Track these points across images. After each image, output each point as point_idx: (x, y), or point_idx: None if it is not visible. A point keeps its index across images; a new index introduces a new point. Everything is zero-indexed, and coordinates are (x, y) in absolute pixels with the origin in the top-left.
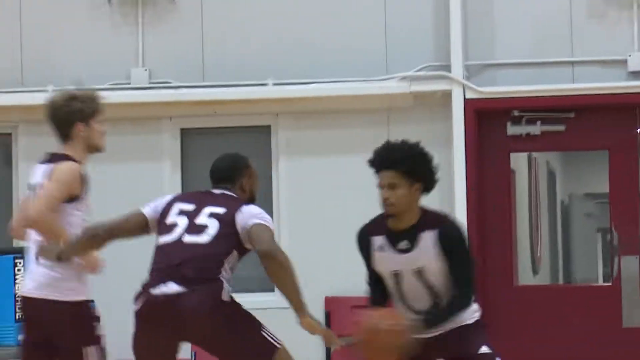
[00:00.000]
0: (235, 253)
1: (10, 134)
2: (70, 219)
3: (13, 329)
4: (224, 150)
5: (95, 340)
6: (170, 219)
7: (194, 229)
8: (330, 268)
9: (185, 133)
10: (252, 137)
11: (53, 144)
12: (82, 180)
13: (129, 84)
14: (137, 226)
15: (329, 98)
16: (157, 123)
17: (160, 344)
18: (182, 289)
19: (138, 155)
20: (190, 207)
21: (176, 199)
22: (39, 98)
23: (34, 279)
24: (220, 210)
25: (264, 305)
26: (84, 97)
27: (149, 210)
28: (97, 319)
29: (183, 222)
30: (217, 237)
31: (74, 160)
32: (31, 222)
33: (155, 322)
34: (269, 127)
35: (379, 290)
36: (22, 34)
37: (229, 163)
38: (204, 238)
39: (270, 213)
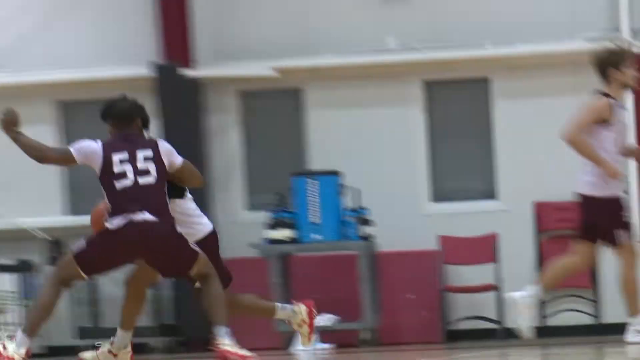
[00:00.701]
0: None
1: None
2: (601, 139)
3: None
4: (466, 98)
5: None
6: (117, 168)
7: (142, 172)
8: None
9: (428, 85)
10: (470, 87)
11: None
12: (611, 110)
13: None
14: (67, 163)
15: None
16: (406, 76)
17: (124, 258)
18: (155, 219)
19: (390, 103)
20: (125, 155)
21: (108, 150)
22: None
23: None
24: (149, 153)
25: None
26: (614, 49)
27: (77, 153)
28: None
29: (129, 168)
30: (159, 177)
31: (608, 97)
32: (566, 142)
33: (132, 239)
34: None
35: None
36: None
37: (128, 106)
38: (151, 179)
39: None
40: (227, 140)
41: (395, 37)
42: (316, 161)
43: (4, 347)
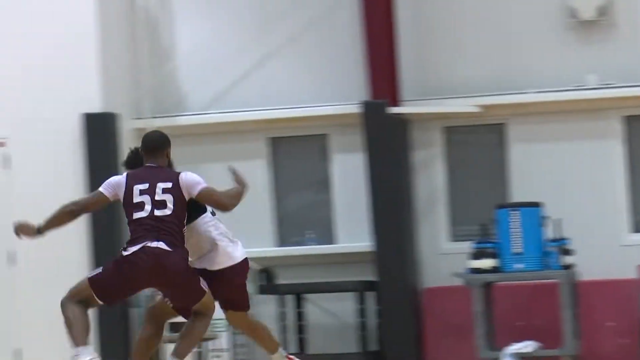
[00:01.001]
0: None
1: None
2: None
3: None
4: None
5: None
6: (137, 198)
7: (159, 204)
8: None
9: (627, 119)
10: None
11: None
12: None
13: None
14: (101, 203)
15: None
16: (605, 111)
17: (136, 284)
18: (169, 248)
19: (590, 137)
20: (145, 185)
21: (131, 181)
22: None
23: None
24: (169, 184)
25: None
26: None
27: (106, 190)
28: None
29: (147, 199)
30: (175, 209)
31: None
32: None
33: (144, 265)
34: None
35: None
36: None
37: (156, 137)
38: (167, 211)
39: None
40: (431, 173)
41: (595, 73)
42: (518, 193)
43: None
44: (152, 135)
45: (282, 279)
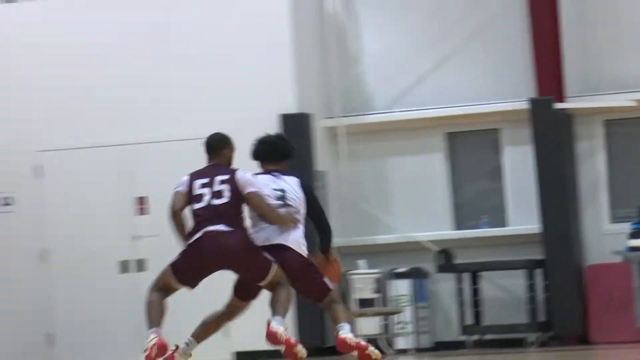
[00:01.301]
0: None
1: None
2: None
3: None
4: None
5: None
6: (197, 191)
7: (216, 194)
8: None
9: None
10: None
11: None
12: None
13: None
14: (185, 199)
15: None
16: None
17: (205, 266)
18: (228, 229)
19: None
20: (206, 180)
21: (194, 177)
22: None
23: None
24: (226, 177)
25: None
26: None
27: (181, 187)
28: None
29: (207, 191)
30: (232, 197)
31: None
32: None
33: (207, 248)
34: None
35: None
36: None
37: (217, 139)
38: (224, 199)
39: None
40: (593, 163)
41: None
42: None
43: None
44: (214, 137)
45: (459, 259)
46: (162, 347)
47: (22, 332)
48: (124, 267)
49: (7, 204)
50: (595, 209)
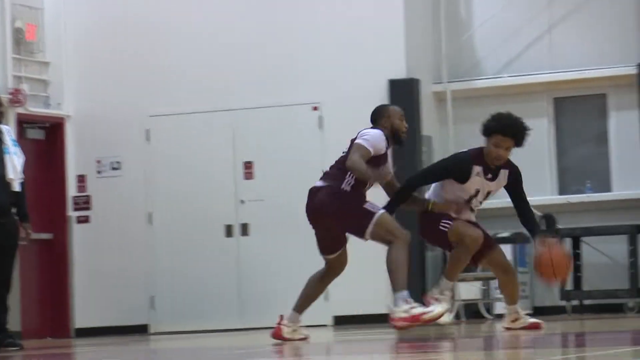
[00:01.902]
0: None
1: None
2: None
3: None
4: None
5: None
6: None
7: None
8: None
9: None
10: None
11: None
12: None
13: None
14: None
15: None
16: None
17: (318, 228)
18: (320, 184)
19: None
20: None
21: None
22: None
23: None
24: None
25: None
26: None
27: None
28: None
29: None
30: (344, 156)
31: None
32: None
33: (307, 207)
34: None
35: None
36: None
37: (374, 110)
38: (338, 158)
39: None
40: None
41: None
42: None
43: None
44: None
45: (562, 224)
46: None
47: (125, 295)
48: (229, 231)
49: (115, 168)
50: None
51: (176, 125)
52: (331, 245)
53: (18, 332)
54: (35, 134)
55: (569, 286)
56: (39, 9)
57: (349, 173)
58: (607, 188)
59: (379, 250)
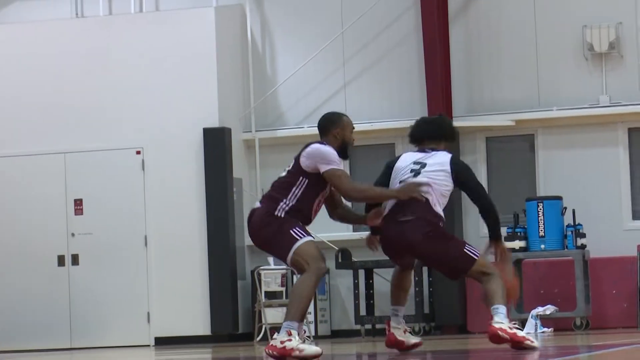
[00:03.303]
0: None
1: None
2: None
3: None
4: None
5: None
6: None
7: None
8: None
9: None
10: None
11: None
12: None
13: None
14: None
15: None
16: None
17: None
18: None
19: (601, 145)
20: None
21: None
22: None
23: None
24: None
25: None
26: None
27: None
28: None
29: None
30: (291, 172)
31: None
32: None
33: None
34: None
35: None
36: None
37: (326, 118)
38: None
39: None
40: (475, 173)
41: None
42: (544, 189)
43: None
44: (323, 116)
45: (355, 257)
46: None
47: None
48: (61, 260)
49: None
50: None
51: (9, 167)
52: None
53: None
54: None
55: (363, 311)
56: None
57: (284, 200)
58: None
59: (197, 275)
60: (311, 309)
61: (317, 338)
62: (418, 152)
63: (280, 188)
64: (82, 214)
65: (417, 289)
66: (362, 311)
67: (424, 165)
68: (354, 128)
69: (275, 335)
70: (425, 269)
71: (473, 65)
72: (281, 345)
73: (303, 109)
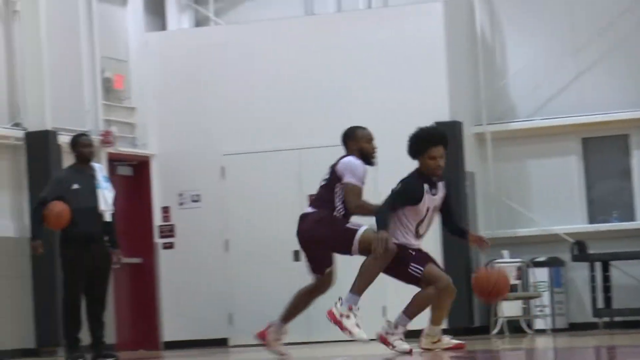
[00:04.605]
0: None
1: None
2: None
3: None
4: None
5: None
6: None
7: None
8: None
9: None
10: None
11: None
12: None
13: None
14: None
15: None
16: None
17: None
18: (309, 210)
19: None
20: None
21: None
22: None
23: None
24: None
25: None
26: None
27: None
28: None
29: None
30: (328, 182)
31: None
32: None
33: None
34: None
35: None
36: None
37: (344, 132)
38: (323, 183)
39: None
40: None
41: None
42: None
43: None
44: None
45: (592, 249)
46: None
47: (207, 312)
48: (296, 255)
49: (195, 201)
50: None
51: (247, 162)
52: (319, 265)
53: (112, 345)
54: (124, 170)
55: (600, 305)
56: (124, 61)
57: (338, 203)
58: (631, 217)
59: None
60: (547, 302)
61: (554, 331)
62: None
63: (326, 196)
64: None
65: None
66: (600, 304)
67: None
68: (371, 138)
69: (338, 302)
70: None
71: None
72: (339, 318)
73: (533, 101)
